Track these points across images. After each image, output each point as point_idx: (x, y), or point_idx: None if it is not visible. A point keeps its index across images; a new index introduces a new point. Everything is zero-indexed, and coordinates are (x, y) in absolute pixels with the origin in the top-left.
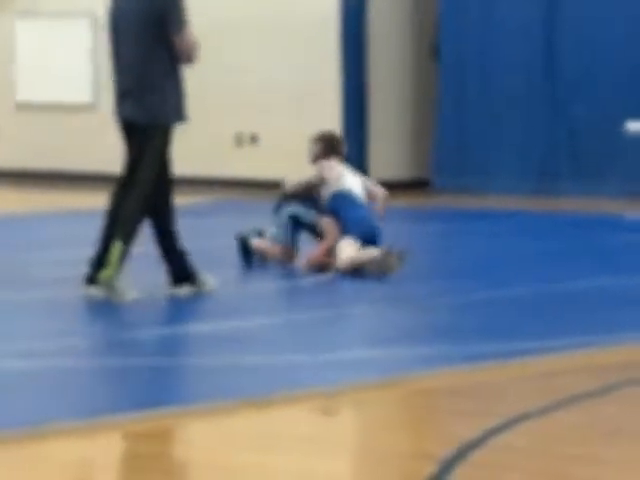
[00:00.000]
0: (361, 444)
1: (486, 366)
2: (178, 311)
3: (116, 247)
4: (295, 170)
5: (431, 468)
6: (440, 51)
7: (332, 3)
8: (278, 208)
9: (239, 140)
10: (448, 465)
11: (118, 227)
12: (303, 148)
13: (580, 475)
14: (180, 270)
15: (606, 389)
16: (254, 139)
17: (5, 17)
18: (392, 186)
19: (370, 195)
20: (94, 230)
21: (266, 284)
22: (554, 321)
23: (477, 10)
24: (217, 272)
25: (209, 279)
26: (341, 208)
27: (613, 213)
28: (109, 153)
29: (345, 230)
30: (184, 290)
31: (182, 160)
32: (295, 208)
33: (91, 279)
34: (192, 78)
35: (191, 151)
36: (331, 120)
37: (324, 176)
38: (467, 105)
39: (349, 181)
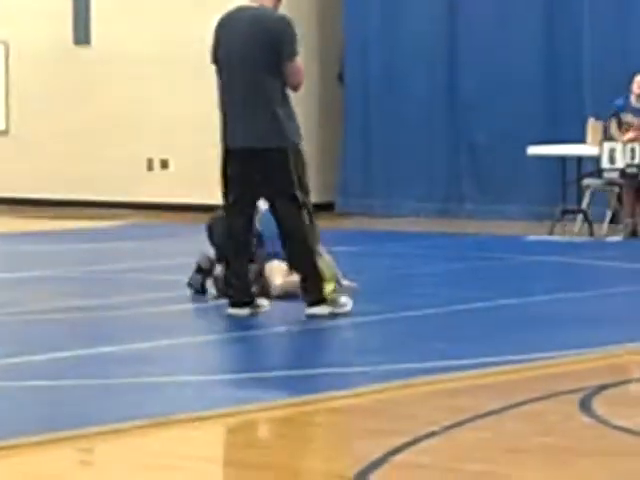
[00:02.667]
0: (265, 463)
1: (392, 385)
2: (87, 332)
3: (322, 262)
4: (202, 193)
5: None
6: (345, 78)
7: None
8: (210, 232)
9: (150, 165)
10: None
11: (300, 248)
12: (209, 173)
13: None
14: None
15: (510, 407)
16: (164, 165)
17: None
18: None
19: None
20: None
21: (176, 305)
22: (458, 340)
23: (380, 38)
24: (126, 293)
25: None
26: (266, 228)
27: (516, 235)
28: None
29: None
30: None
31: (95, 184)
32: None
33: (238, 302)
34: (108, 107)
35: (104, 175)
36: None
37: None
38: (371, 130)
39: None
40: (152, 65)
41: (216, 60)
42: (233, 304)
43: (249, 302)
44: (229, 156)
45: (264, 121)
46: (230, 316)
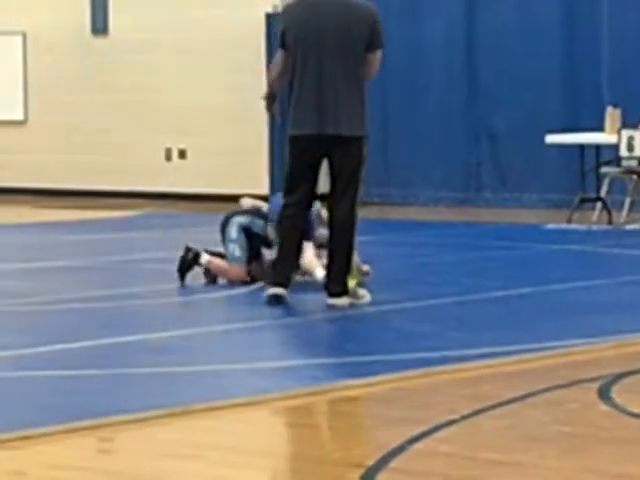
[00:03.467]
0: (284, 452)
1: (411, 374)
2: (106, 322)
3: (354, 257)
4: (220, 183)
5: (354, 476)
6: None
7: (259, 24)
8: (225, 224)
9: (168, 155)
10: (371, 472)
11: (348, 240)
12: (227, 162)
13: None
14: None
15: (529, 395)
16: (182, 155)
17: None
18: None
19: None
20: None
21: (195, 295)
22: (477, 329)
23: (399, 26)
24: (144, 283)
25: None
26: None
27: (534, 223)
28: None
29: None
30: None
31: (113, 174)
32: (243, 218)
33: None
34: (126, 97)
35: (123, 165)
36: (257, 137)
37: None
38: (390, 119)
39: None
40: (171, 54)
41: (288, 44)
42: (275, 284)
43: (286, 284)
44: (300, 141)
45: (349, 108)
46: (271, 297)
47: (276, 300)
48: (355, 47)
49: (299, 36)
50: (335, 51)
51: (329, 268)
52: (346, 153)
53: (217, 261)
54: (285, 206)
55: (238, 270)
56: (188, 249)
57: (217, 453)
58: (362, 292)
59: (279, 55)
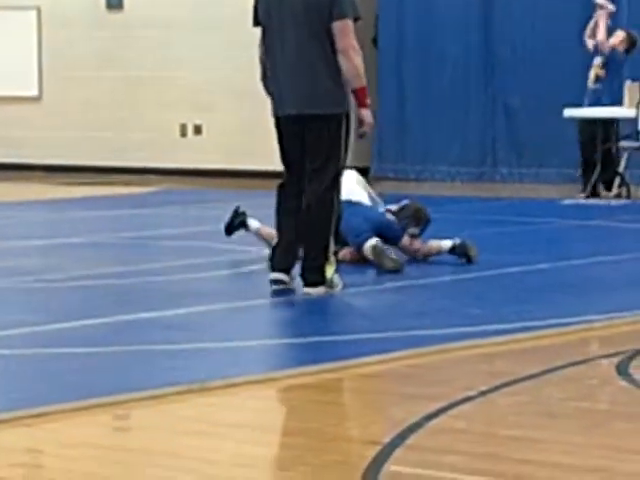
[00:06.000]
0: (300, 429)
1: (428, 350)
2: (122, 299)
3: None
4: (236, 159)
5: (370, 452)
6: (378, 41)
7: None
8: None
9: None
10: (387, 449)
11: (324, 223)
12: (242, 138)
13: (517, 457)
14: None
15: (546, 371)
16: (197, 130)
17: None
18: None
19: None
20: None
21: (211, 272)
22: (495, 305)
23: (414, 1)
24: (160, 260)
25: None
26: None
27: (552, 198)
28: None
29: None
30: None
31: (128, 150)
32: None
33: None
34: (141, 72)
35: (138, 142)
36: (268, 113)
37: None
38: (406, 94)
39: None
40: (185, 29)
41: (258, 22)
42: (273, 269)
43: (288, 269)
44: (282, 123)
45: (324, 85)
46: (273, 281)
47: (276, 285)
48: (321, 20)
49: (266, 13)
50: (302, 27)
51: (304, 255)
52: (322, 131)
53: (267, 229)
54: (279, 187)
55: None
56: (237, 212)
57: (233, 430)
58: (337, 280)
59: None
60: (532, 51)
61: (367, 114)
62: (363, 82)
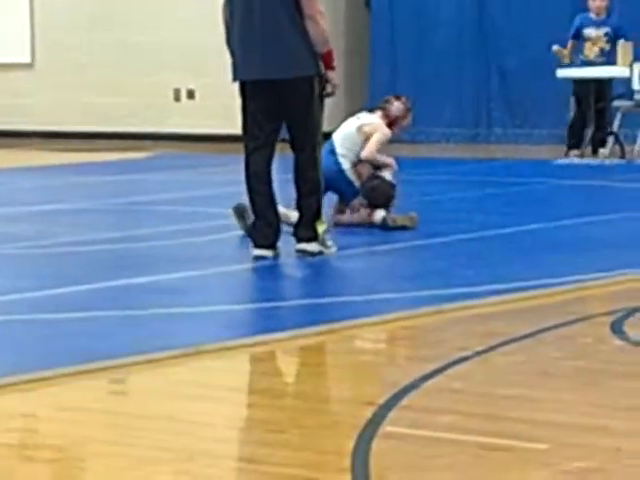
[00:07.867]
0: (296, 391)
1: (422, 311)
2: (116, 264)
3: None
4: (228, 124)
5: (366, 413)
6: (371, 3)
7: None
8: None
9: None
10: (383, 410)
11: (315, 182)
12: (236, 103)
13: (513, 416)
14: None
15: (541, 330)
16: (191, 95)
17: None
18: (326, 137)
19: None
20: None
21: (205, 237)
22: (489, 266)
23: None
24: (154, 225)
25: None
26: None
27: (545, 159)
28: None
29: None
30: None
31: (122, 116)
32: None
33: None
34: (135, 37)
35: (132, 107)
36: None
37: None
38: (398, 56)
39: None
40: None
41: None
42: (256, 245)
43: (272, 245)
44: (246, 89)
45: (291, 47)
46: (255, 257)
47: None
48: None
49: None
50: None
51: (299, 213)
52: (296, 95)
53: (282, 210)
54: (246, 154)
55: None
56: (238, 213)
57: (229, 393)
58: (330, 242)
59: None
60: (526, 12)
61: (334, 76)
62: (330, 46)
